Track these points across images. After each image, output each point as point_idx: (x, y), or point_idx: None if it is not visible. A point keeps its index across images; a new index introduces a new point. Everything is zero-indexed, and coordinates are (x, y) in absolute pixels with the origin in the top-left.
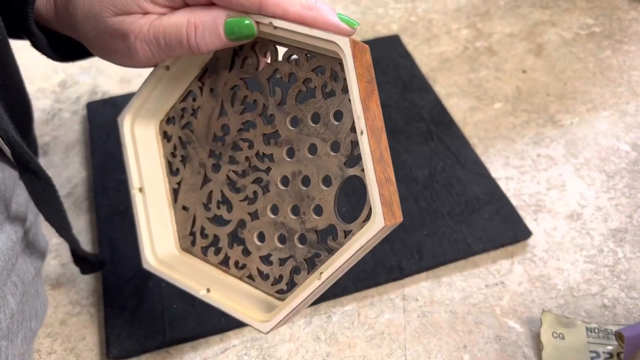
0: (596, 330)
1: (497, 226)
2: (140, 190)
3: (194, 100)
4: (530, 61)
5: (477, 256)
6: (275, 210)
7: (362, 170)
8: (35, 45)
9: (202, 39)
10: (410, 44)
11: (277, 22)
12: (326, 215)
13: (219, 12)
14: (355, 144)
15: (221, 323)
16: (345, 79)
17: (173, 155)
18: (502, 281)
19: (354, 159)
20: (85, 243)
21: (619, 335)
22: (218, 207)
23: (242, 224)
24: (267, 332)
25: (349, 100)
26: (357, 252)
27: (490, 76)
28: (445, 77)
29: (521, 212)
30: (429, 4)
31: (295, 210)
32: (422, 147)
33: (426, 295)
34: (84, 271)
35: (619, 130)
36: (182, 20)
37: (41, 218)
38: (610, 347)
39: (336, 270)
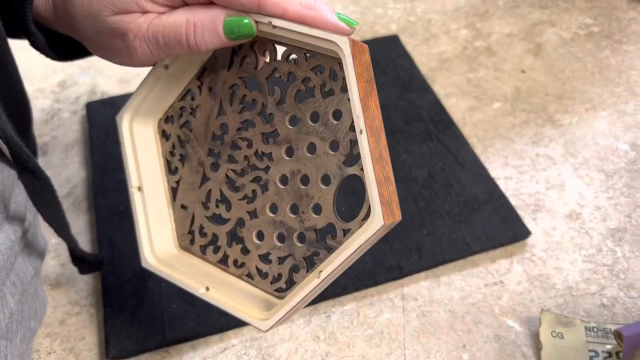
0: (595, 330)
1: (496, 226)
2: (139, 189)
3: (192, 99)
4: (529, 61)
5: (476, 256)
6: (274, 209)
7: (361, 169)
8: (34, 44)
9: (201, 38)
10: (409, 44)
11: (276, 22)
12: (325, 214)
13: (218, 11)
14: (354, 143)
15: (220, 323)
16: (344, 78)
17: (172, 154)
18: (501, 280)
19: (353, 158)
20: (85, 243)
21: (617, 335)
22: (217, 206)
23: (241, 222)
24: (266, 331)
25: (348, 99)
26: (356, 250)
27: (489, 76)
28: (444, 77)
29: (520, 212)
30: (427, 4)
31: (294, 209)
32: (421, 147)
33: (425, 294)
34: (82, 271)
35: (618, 129)
36: (181, 19)
37: (40, 218)
38: (609, 346)
39: (335, 268)
